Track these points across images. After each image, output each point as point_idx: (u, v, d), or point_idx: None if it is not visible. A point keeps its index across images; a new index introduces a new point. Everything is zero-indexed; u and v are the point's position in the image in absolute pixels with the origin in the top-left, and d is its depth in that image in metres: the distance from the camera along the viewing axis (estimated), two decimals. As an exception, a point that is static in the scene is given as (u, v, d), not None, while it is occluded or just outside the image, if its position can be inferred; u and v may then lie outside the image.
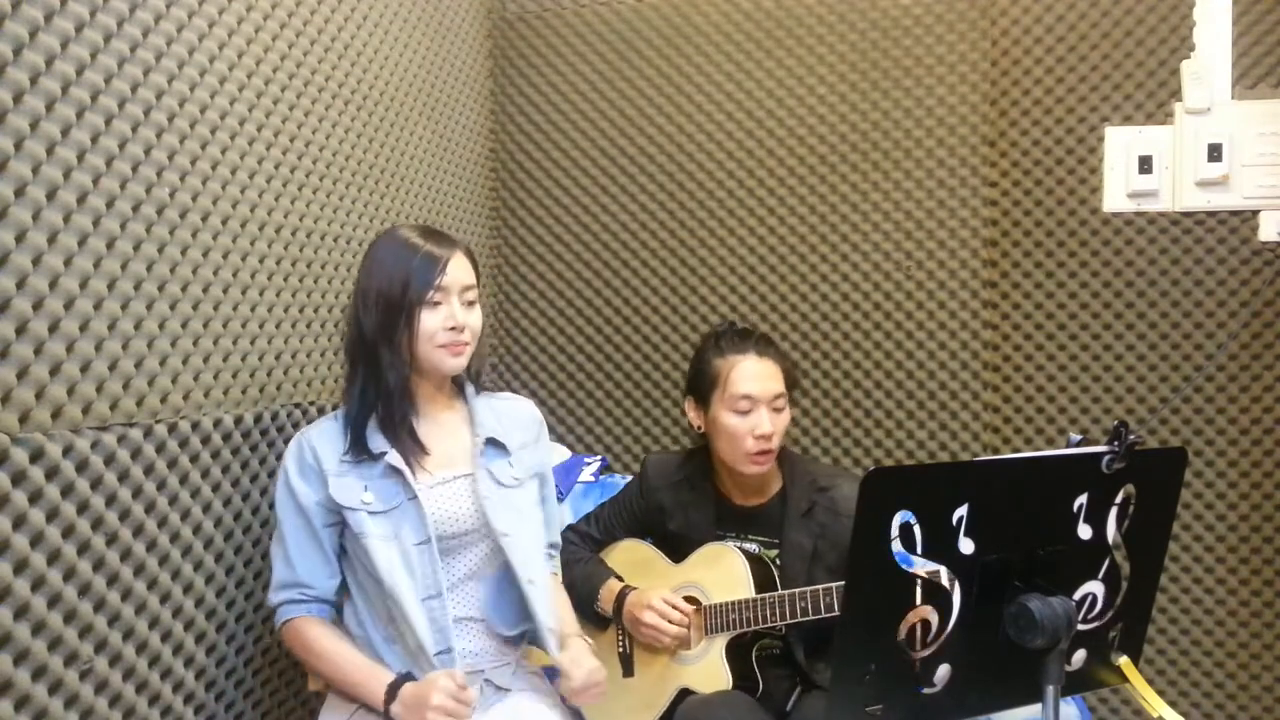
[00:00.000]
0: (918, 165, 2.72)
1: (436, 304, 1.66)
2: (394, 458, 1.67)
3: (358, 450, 1.67)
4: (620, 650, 2.13)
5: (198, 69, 1.70)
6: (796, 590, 1.91)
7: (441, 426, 1.75)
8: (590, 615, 2.11)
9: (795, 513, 2.05)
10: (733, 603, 1.98)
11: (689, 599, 2.05)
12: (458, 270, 1.69)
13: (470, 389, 1.81)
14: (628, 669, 2.12)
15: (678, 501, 2.15)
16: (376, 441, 1.68)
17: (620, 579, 2.13)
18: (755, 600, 1.96)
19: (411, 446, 1.68)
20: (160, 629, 1.58)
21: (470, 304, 1.71)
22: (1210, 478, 2.61)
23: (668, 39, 2.88)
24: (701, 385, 2.09)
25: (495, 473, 1.75)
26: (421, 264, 1.66)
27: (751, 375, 2.03)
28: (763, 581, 2.00)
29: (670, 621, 2.00)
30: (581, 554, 2.20)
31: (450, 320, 1.66)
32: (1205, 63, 2.56)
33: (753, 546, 2.08)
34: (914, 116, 2.72)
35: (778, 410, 2.03)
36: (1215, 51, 2.56)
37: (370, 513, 1.65)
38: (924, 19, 2.70)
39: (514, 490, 1.76)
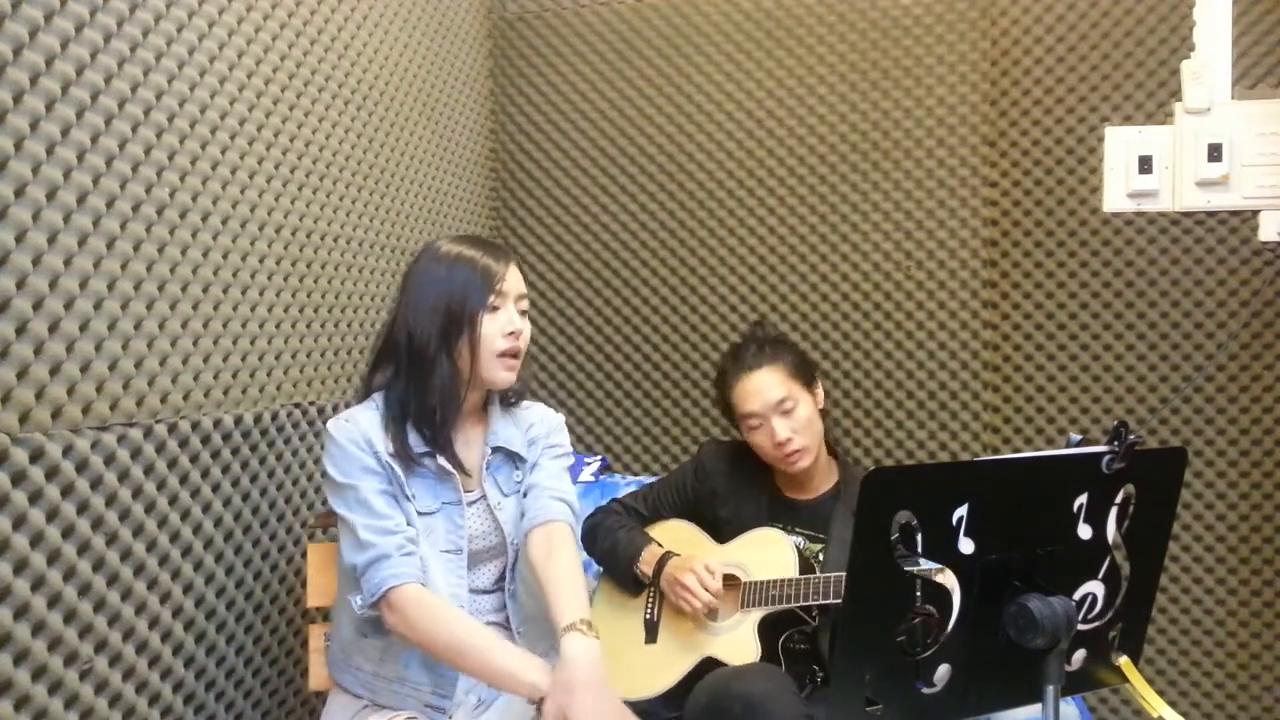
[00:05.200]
0: (918, 165, 2.72)
1: (495, 309, 1.65)
2: (442, 459, 1.65)
3: (401, 451, 1.63)
4: (648, 617, 2.15)
5: (198, 69, 1.70)
6: (835, 574, 1.94)
7: (468, 443, 1.72)
8: (628, 578, 2.14)
9: (846, 510, 2.08)
10: (775, 580, 2.00)
11: (728, 577, 2.06)
12: (515, 277, 1.69)
13: (495, 405, 1.77)
14: (651, 636, 2.13)
15: (731, 489, 2.18)
16: (418, 445, 1.65)
17: (661, 546, 2.15)
18: (795, 579, 1.98)
19: (450, 460, 1.66)
20: (160, 629, 1.58)
21: (524, 313, 1.69)
22: (1210, 478, 2.61)
23: (668, 39, 2.88)
24: (727, 415, 2.19)
25: (500, 483, 1.74)
26: (484, 270, 1.64)
27: (748, 394, 2.09)
28: (806, 569, 2.03)
29: (706, 589, 2.01)
30: (625, 522, 2.22)
31: (510, 325, 1.65)
32: (1205, 63, 2.56)
33: (799, 540, 2.10)
34: (914, 116, 2.72)
35: (787, 412, 2.06)
36: (1215, 51, 2.56)
37: (417, 513, 1.63)
38: (924, 19, 2.70)
39: (514, 496, 1.75)
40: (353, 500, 1.59)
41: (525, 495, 1.75)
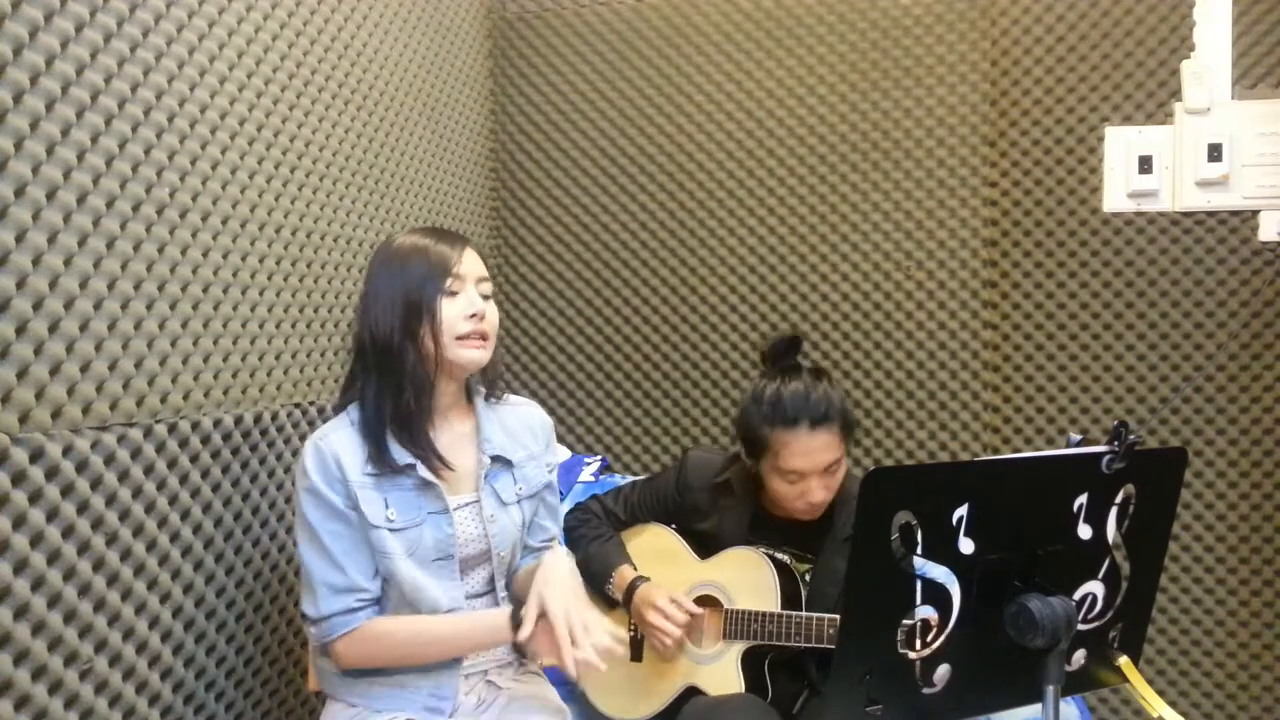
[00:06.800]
0: (918, 165, 2.72)
1: (454, 293, 1.64)
2: (424, 470, 1.63)
3: (381, 463, 1.61)
4: (631, 633, 2.12)
5: (198, 69, 1.70)
6: (826, 616, 1.89)
7: (455, 441, 1.70)
8: (600, 595, 2.11)
9: (838, 535, 1.97)
10: (758, 613, 1.96)
11: (707, 598, 2.04)
12: (471, 261, 1.67)
13: (480, 399, 1.76)
14: (636, 654, 2.11)
15: (714, 504, 2.08)
16: (399, 453, 1.63)
17: (634, 567, 2.10)
18: (783, 616, 1.93)
19: (434, 461, 1.64)
20: (160, 629, 1.58)
21: (486, 297, 1.68)
22: (1210, 478, 2.61)
23: (668, 39, 2.88)
24: (750, 446, 1.97)
25: (500, 491, 1.73)
26: (437, 255, 1.64)
27: (802, 452, 1.87)
28: (789, 595, 1.97)
29: (673, 623, 1.98)
30: (601, 530, 2.18)
31: (470, 307, 1.63)
32: (1205, 63, 2.56)
33: (785, 558, 2.03)
34: (914, 116, 2.72)
35: (831, 474, 1.92)
36: (1215, 51, 2.55)
37: (391, 530, 1.61)
38: (924, 19, 2.70)
39: (513, 506, 1.74)
40: (314, 544, 1.60)
41: (528, 527, 1.78)
